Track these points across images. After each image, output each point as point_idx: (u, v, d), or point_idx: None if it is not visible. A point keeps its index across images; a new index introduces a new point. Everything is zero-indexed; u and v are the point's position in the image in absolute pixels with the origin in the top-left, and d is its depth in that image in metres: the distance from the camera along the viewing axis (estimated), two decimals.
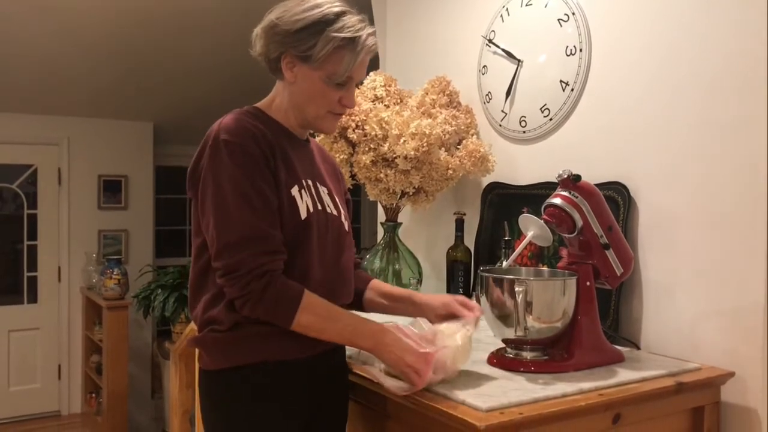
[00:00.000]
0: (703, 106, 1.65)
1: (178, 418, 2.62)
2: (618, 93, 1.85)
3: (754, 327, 1.54)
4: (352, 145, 2.12)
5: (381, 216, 2.35)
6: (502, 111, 2.19)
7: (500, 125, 2.21)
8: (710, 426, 1.52)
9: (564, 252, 1.62)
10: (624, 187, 1.80)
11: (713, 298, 1.62)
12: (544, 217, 1.54)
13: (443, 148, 2.11)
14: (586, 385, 1.35)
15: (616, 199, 1.80)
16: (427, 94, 2.23)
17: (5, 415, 4.87)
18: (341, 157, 2.08)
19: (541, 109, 2.05)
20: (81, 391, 5.14)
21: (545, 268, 1.77)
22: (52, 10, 3.77)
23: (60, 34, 4.00)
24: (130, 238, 5.30)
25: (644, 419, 1.40)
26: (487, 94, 2.25)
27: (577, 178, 1.53)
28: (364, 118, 2.08)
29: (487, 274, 1.49)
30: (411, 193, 2.17)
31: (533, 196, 2.03)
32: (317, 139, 2.07)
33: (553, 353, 1.49)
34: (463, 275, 2.14)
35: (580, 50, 1.93)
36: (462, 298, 1.51)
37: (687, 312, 1.67)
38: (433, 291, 2.31)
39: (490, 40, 2.23)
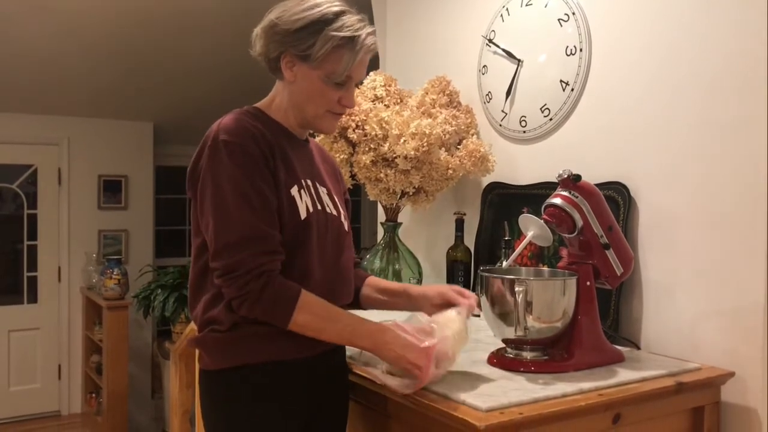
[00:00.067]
0: (703, 106, 1.65)
1: (178, 418, 2.62)
2: (618, 93, 1.85)
3: (754, 327, 1.54)
4: (352, 145, 2.12)
5: (381, 216, 2.35)
6: (502, 111, 2.19)
7: (500, 125, 2.21)
8: (710, 426, 1.52)
9: (564, 252, 1.62)
10: (624, 187, 1.80)
11: (713, 298, 1.62)
12: (544, 217, 1.54)
13: (443, 148, 2.11)
14: (586, 385, 1.35)
15: (616, 199, 1.80)
16: (427, 94, 2.23)
17: (5, 415, 4.87)
18: (341, 157, 2.08)
19: (541, 109, 2.05)
20: (81, 391, 5.14)
21: (545, 268, 1.77)
22: (52, 10, 3.77)
23: (60, 34, 4.00)
24: (130, 238, 5.30)
25: (644, 419, 1.40)
26: (487, 94, 2.25)
27: (577, 178, 1.53)
28: (364, 118, 2.08)
29: (487, 274, 1.49)
30: (411, 193, 2.17)
31: (533, 196, 2.03)
32: (317, 139, 2.07)
33: (553, 353, 1.49)
34: (463, 275, 2.14)
35: (580, 50, 1.93)
36: (457, 287, 1.51)
37: (687, 312, 1.67)
38: None
39: (490, 40, 2.23)
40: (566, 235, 1.56)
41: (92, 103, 4.91)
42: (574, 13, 1.96)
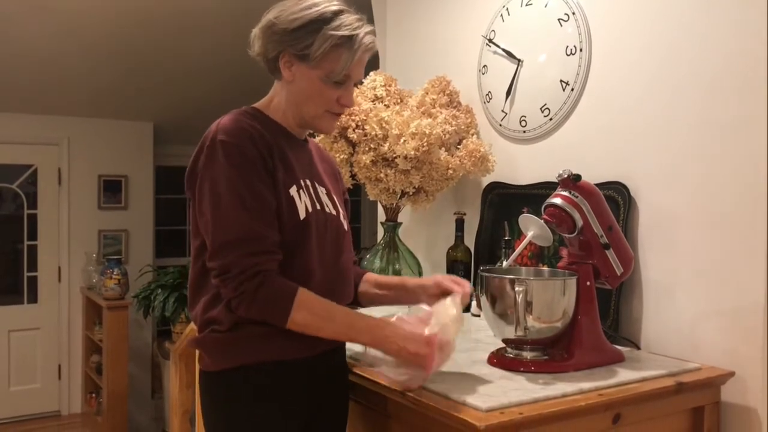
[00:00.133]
0: (703, 106, 1.65)
1: (178, 418, 2.62)
2: (618, 93, 1.85)
3: (754, 327, 1.54)
4: (352, 144, 2.12)
5: (381, 216, 2.35)
6: (503, 111, 2.19)
7: (500, 125, 2.21)
8: (710, 426, 1.52)
9: (564, 252, 1.62)
10: (624, 187, 1.80)
11: (713, 298, 1.62)
12: (545, 216, 1.54)
13: (443, 148, 2.11)
14: (586, 385, 1.35)
15: (616, 199, 1.80)
16: (427, 93, 2.23)
17: (5, 415, 4.87)
18: (341, 156, 2.08)
19: (541, 108, 2.05)
20: (81, 391, 5.14)
21: (545, 268, 1.77)
22: (51, 10, 3.77)
23: (60, 34, 4.00)
24: (130, 238, 5.30)
25: (644, 419, 1.40)
26: (487, 94, 2.25)
27: (578, 177, 1.53)
28: (364, 117, 2.08)
29: (487, 274, 1.49)
30: (411, 193, 2.17)
31: (533, 196, 2.03)
32: (317, 139, 2.07)
33: (553, 353, 1.49)
34: (463, 275, 2.14)
35: (581, 50, 1.93)
36: (452, 276, 1.52)
37: (687, 312, 1.67)
38: None
39: (490, 40, 2.23)
40: (566, 235, 1.56)
41: (92, 103, 4.91)
42: (574, 13, 1.96)
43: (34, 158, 5.01)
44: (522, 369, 1.44)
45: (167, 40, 4.22)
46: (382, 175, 2.08)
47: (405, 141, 2.00)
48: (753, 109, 1.54)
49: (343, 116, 2.06)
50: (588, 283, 1.52)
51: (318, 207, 1.40)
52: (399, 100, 2.21)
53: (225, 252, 1.27)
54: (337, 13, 1.34)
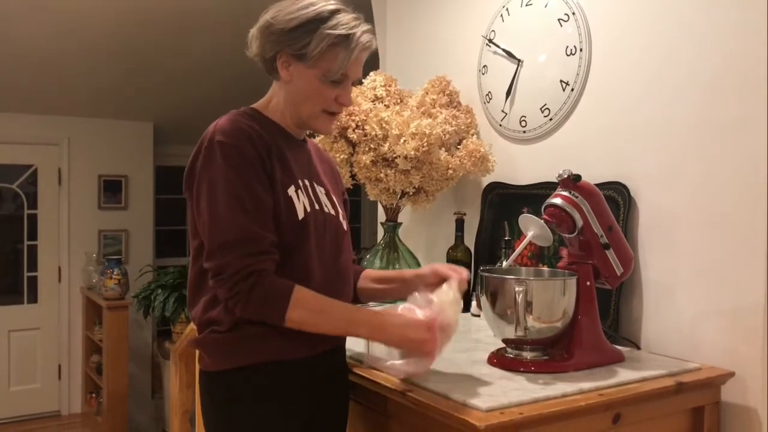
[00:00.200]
0: (703, 106, 1.65)
1: (178, 418, 2.62)
2: (618, 93, 1.85)
3: (754, 327, 1.54)
4: (352, 145, 2.12)
5: (381, 216, 2.35)
6: (503, 111, 2.19)
7: (500, 125, 2.21)
8: (710, 426, 1.52)
9: (564, 252, 1.62)
10: (624, 187, 1.80)
11: (713, 298, 1.62)
12: (545, 217, 1.54)
13: (443, 148, 2.11)
14: (586, 385, 1.35)
15: (616, 199, 1.80)
16: (427, 94, 2.24)
17: (5, 415, 4.87)
18: (341, 157, 2.08)
19: (541, 109, 2.05)
20: (81, 391, 5.14)
21: (545, 268, 1.77)
22: (51, 10, 3.76)
23: (60, 34, 4.00)
24: (130, 238, 5.30)
25: (644, 419, 1.40)
26: (487, 94, 2.25)
27: (577, 178, 1.53)
28: (364, 118, 2.08)
29: (487, 274, 1.49)
30: (411, 193, 2.17)
31: (533, 196, 2.03)
32: (317, 139, 2.07)
33: (553, 353, 1.49)
34: None
35: (580, 50, 1.93)
36: (449, 264, 1.52)
37: (687, 312, 1.67)
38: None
39: (490, 40, 2.23)
40: (566, 235, 1.56)
41: (92, 103, 4.91)
42: (574, 13, 1.96)
43: (34, 158, 5.01)
44: (522, 369, 1.44)
45: (167, 40, 4.22)
46: (382, 175, 2.08)
47: (405, 141, 2.00)
48: (753, 109, 1.54)
49: (343, 116, 2.07)
50: (588, 283, 1.52)
51: (317, 207, 1.40)
52: (399, 101, 2.21)
53: (220, 253, 1.27)
54: (333, 12, 1.34)
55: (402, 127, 2.01)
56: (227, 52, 4.15)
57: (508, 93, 2.16)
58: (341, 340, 1.49)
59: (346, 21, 1.34)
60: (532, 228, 1.55)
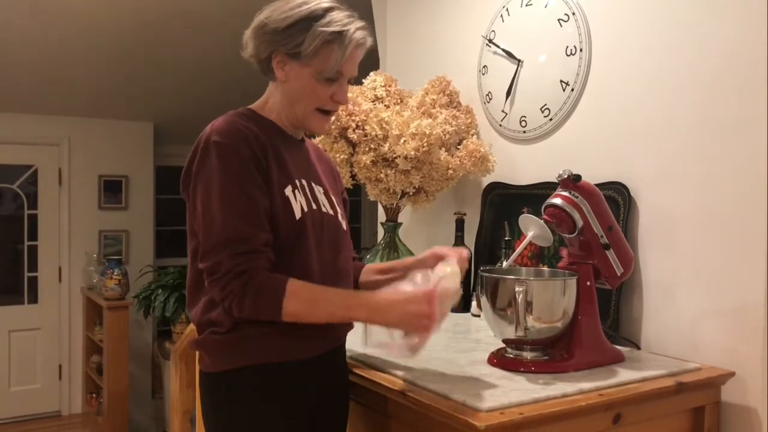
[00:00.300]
0: (703, 106, 1.65)
1: (178, 418, 2.62)
2: (618, 93, 1.85)
3: (754, 327, 1.54)
4: (353, 145, 2.12)
5: (381, 216, 2.35)
6: (503, 111, 2.19)
7: (500, 125, 2.21)
8: (710, 426, 1.52)
9: (564, 252, 1.62)
10: (624, 187, 1.80)
11: (713, 298, 1.62)
12: (545, 217, 1.54)
13: (443, 148, 2.11)
14: (587, 385, 1.35)
15: (616, 199, 1.80)
16: (427, 94, 2.24)
17: (6, 416, 4.87)
18: (341, 157, 2.08)
19: (541, 109, 2.05)
20: (81, 392, 5.14)
21: (545, 268, 1.77)
22: (52, 12, 3.77)
23: (60, 35, 4.00)
24: (130, 239, 5.30)
25: (644, 419, 1.40)
26: (488, 94, 2.25)
27: (578, 178, 1.53)
28: (365, 118, 2.08)
29: (487, 274, 1.49)
30: (411, 193, 2.18)
31: (533, 196, 2.03)
32: (317, 140, 2.07)
33: (553, 353, 1.49)
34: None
35: (580, 50, 1.93)
36: (449, 247, 1.52)
37: (687, 312, 1.67)
38: None
39: (490, 40, 2.23)
40: (566, 235, 1.56)
41: (93, 104, 4.91)
42: (574, 13, 1.96)
43: (34, 158, 5.01)
44: (522, 369, 1.44)
45: (167, 41, 4.22)
46: (382, 175, 2.08)
47: (405, 141, 2.00)
48: (753, 109, 1.55)
49: (343, 116, 2.07)
50: (588, 283, 1.52)
51: (314, 207, 1.40)
52: (399, 101, 2.21)
53: (214, 253, 1.27)
54: (327, 10, 1.34)
55: (402, 128, 2.01)
56: (227, 52, 4.14)
57: (508, 93, 2.16)
58: (341, 340, 1.49)
59: (339, 18, 1.34)
60: (532, 228, 1.55)
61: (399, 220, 2.28)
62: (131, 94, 4.83)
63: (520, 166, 2.15)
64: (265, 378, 1.33)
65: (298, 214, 1.35)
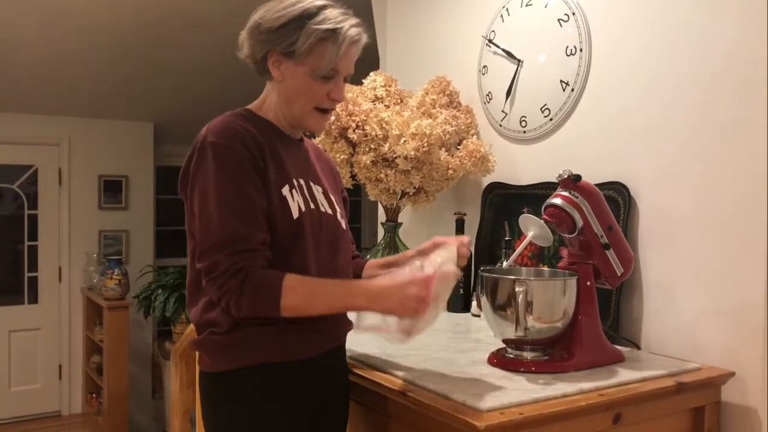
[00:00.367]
0: (703, 106, 1.65)
1: (178, 418, 2.62)
2: (618, 93, 1.85)
3: (754, 327, 1.54)
4: (353, 145, 2.12)
5: (381, 216, 2.35)
6: (503, 111, 2.19)
7: (500, 125, 2.21)
8: (711, 426, 1.52)
9: (564, 252, 1.62)
10: (624, 187, 1.80)
11: (713, 298, 1.62)
12: (545, 217, 1.54)
13: (443, 148, 2.11)
14: (587, 385, 1.35)
15: (616, 199, 1.80)
16: (427, 94, 2.24)
17: (6, 416, 4.88)
18: (341, 157, 2.08)
19: (541, 109, 2.05)
20: (81, 392, 5.15)
21: (545, 268, 1.77)
22: (52, 12, 3.77)
23: (60, 36, 4.00)
24: (130, 239, 5.30)
25: (644, 419, 1.40)
26: (488, 94, 2.25)
27: (578, 178, 1.53)
28: (365, 118, 2.08)
29: (487, 274, 1.49)
30: (411, 193, 2.18)
31: (533, 196, 2.03)
32: (317, 140, 2.07)
33: (553, 353, 1.49)
34: (463, 275, 2.14)
35: (580, 50, 1.93)
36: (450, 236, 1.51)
37: (687, 312, 1.67)
38: None
39: (490, 40, 2.23)
40: (566, 235, 1.56)
41: (93, 104, 4.91)
42: (574, 13, 1.96)
43: (34, 158, 5.01)
44: (522, 369, 1.44)
45: (167, 41, 4.22)
46: (382, 175, 2.08)
47: (405, 141, 2.00)
48: (753, 109, 1.55)
49: (343, 117, 2.07)
50: (588, 283, 1.52)
51: (312, 206, 1.40)
52: (399, 101, 2.21)
53: (210, 253, 1.27)
54: (321, 8, 1.34)
55: (402, 128, 2.01)
56: (227, 52, 4.11)
57: (508, 93, 2.16)
58: (341, 340, 1.49)
59: (333, 16, 1.34)
60: (533, 228, 1.55)
61: (399, 220, 2.29)
62: (131, 94, 4.83)
63: (520, 166, 2.15)
64: (264, 378, 1.33)
65: (295, 214, 1.35)
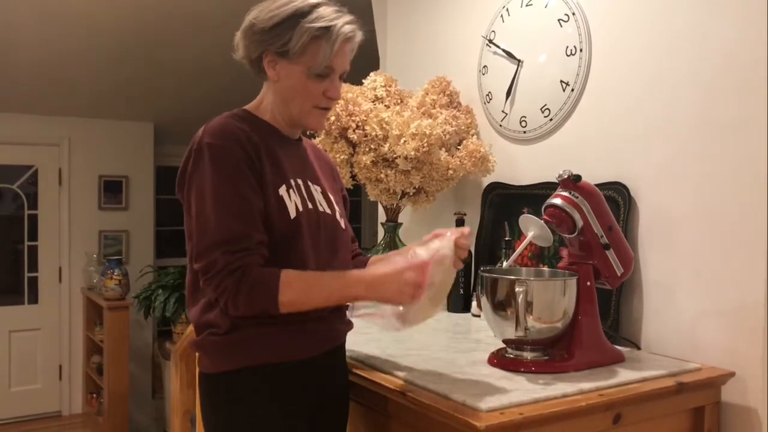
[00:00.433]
0: (703, 106, 1.65)
1: (178, 418, 2.62)
2: (618, 93, 1.85)
3: (754, 327, 1.54)
4: (353, 145, 2.12)
5: (381, 216, 2.35)
6: (503, 111, 2.19)
7: (500, 125, 2.21)
8: (711, 426, 1.52)
9: (564, 252, 1.62)
10: (624, 187, 1.80)
11: (713, 298, 1.62)
12: (545, 217, 1.54)
13: (443, 149, 2.11)
14: (587, 385, 1.35)
15: (616, 199, 1.80)
16: (427, 94, 2.24)
17: (6, 416, 4.88)
18: (341, 157, 2.08)
19: (541, 109, 2.05)
20: (82, 392, 5.15)
21: (546, 269, 1.77)
22: (52, 13, 3.77)
23: (60, 36, 4.00)
24: (130, 239, 5.30)
25: (644, 419, 1.40)
26: (488, 94, 2.25)
27: (578, 178, 1.53)
28: (365, 118, 2.08)
29: (487, 275, 1.49)
30: (411, 194, 2.18)
31: (533, 196, 2.03)
32: (317, 140, 2.07)
33: (553, 353, 1.49)
34: (463, 275, 2.14)
35: (580, 50, 1.93)
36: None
37: (687, 312, 1.67)
38: None
39: (490, 41, 2.23)
40: (566, 236, 1.56)
41: (93, 104, 4.91)
42: (574, 14, 1.96)
43: (34, 159, 5.01)
44: (522, 369, 1.44)
45: (167, 41, 4.22)
46: (382, 175, 2.08)
47: (405, 141, 2.00)
48: (753, 109, 1.55)
49: (343, 117, 2.07)
50: (588, 283, 1.52)
51: (310, 206, 1.39)
52: (399, 101, 2.21)
53: (208, 253, 1.27)
54: (313, 7, 1.34)
55: (402, 128, 2.01)
56: (227, 52, 4.10)
57: (508, 93, 2.16)
58: (341, 340, 1.49)
59: (326, 14, 1.34)
60: (533, 228, 1.55)
61: (399, 220, 2.29)
62: (131, 94, 4.83)
63: (520, 166, 2.15)
64: (264, 378, 1.33)
65: (292, 214, 1.35)
